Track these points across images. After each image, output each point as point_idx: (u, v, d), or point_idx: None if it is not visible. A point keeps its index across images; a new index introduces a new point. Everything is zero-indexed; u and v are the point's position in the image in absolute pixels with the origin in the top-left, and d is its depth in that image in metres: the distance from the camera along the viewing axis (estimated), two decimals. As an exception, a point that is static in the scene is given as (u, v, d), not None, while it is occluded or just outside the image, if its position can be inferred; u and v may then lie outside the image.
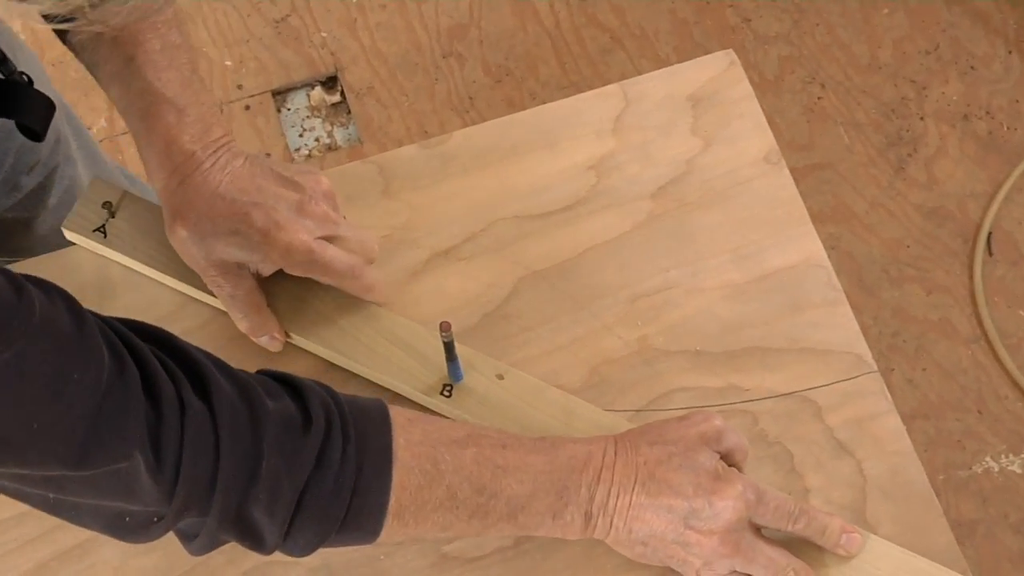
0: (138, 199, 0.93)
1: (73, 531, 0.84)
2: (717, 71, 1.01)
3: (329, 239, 0.87)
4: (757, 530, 0.81)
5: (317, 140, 1.90)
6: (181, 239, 0.85)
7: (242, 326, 0.88)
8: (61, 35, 0.87)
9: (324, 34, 1.96)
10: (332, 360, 0.89)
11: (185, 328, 0.91)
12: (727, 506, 0.79)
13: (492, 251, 0.94)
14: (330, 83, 1.94)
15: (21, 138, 0.95)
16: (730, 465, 0.83)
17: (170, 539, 0.84)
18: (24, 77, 0.89)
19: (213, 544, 0.75)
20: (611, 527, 0.80)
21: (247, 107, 1.91)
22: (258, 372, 0.77)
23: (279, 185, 0.86)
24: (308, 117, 1.92)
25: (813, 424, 0.89)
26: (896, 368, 1.75)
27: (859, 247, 1.82)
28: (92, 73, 0.87)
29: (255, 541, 0.74)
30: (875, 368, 0.92)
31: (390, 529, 0.76)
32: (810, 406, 0.90)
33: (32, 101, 0.88)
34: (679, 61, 1.03)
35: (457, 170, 0.97)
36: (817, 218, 0.97)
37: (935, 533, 0.86)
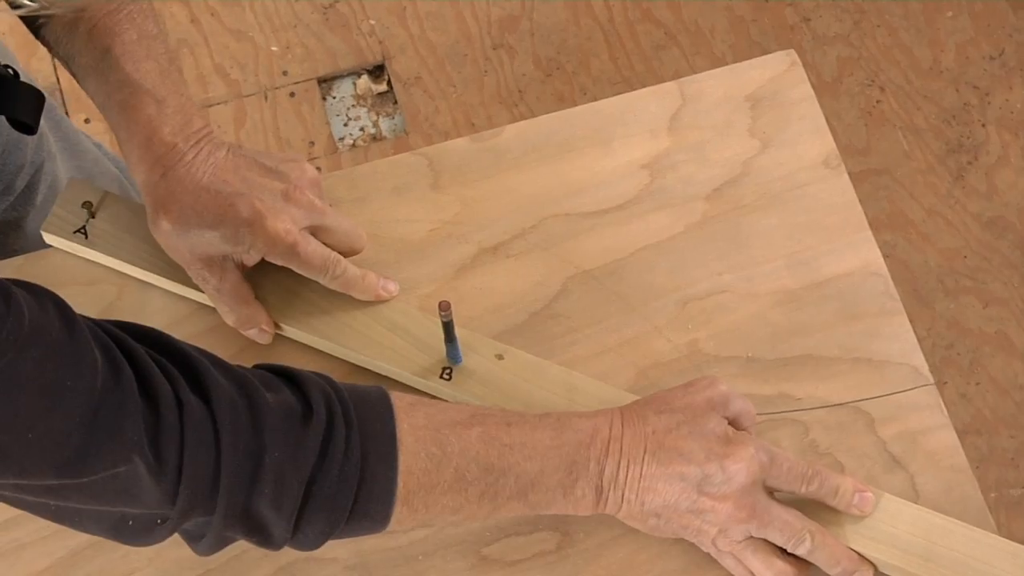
0: (119, 198, 0.92)
1: (109, 519, 0.84)
2: (777, 71, 0.99)
3: (315, 229, 0.86)
4: (770, 493, 0.80)
5: (362, 130, 1.90)
6: (165, 232, 0.84)
7: (229, 320, 0.87)
8: (34, 30, 0.86)
9: (372, 22, 1.95)
10: (327, 350, 0.89)
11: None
12: (740, 469, 0.78)
13: (541, 249, 0.93)
14: (377, 72, 1.93)
15: (6, 137, 0.95)
16: (739, 430, 0.82)
17: (206, 531, 0.83)
18: (10, 71, 0.89)
19: (220, 543, 0.74)
20: (623, 500, 0.79)
21: (292, 94, 1.91)
22: (255, 367, 0.76)
23: (263, 175, 0.85)
24: (354, 106, 1.91)
25: (866, 436, 0.87)
26: (949, 381, 1.72)
27: (915, 256, 1.79)
28: (67, 67, 0.87)
29: (263, 537, 0.74)
30: (931, 380, 0.90)
31: (400, 515, 0.75)
32: (863, 417, 0.88)
33: (21, 94, 0.87)
34: (735, 59, 1.01)
35: (508, 165, 0.96)
36: (872, 225, 0.95)
37: (989, 553, 0.83)
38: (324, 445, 0.73)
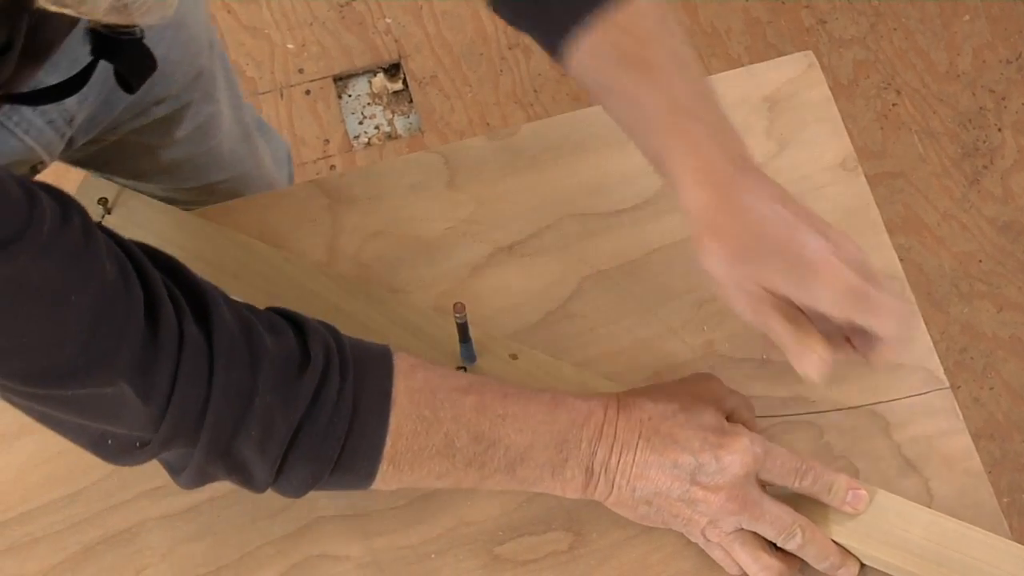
0: (134, 194, 0.92)
1: (122, 515, 0.84)
2: (795, 73, 0.99)
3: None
4: (763, 488, 0.80)
5: (377, 128, 1.90)
6: (713, 257, 0.76)
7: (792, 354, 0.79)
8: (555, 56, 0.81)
9: (388, 20, 1.95)
10: None
11: None
12: (734, 460, 0.78)
13: (557, 248, 0.93)
14: (393, 70, 1.94)
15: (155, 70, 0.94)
16: (739, 422, 0.82)
17: (220, 526, 0.83)
18: (138, 31, 0.86)
19: (202, 478, 0.74)
20: (613, 486, 0.79)
21: (307, 92, 1.91)
22: (268, 309, 0.76)
23: (812, 220, 0.78)
24: (369, 104, 1.91)
25: (880, 439, 0.87)
26: (963, 386, 1.71)
27: (929, 260, 1.78)
28: (598, 99, 0.82)
29: (245, 477, 0.74)
30: (946, 384, 0.90)
31: (385, 474, 0.76)
32: (878, 421, 0.88)
33: (133, 55, 0.85)
34: (751, 61, 1.01)
35: (524, 164, 0.96)
36: (887, 228, 0.95)
37: (1004, 559, 0.83)
38: (316, 393, 0.73)
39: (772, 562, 0.80)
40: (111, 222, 0.90)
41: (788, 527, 0.79)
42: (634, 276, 0.92)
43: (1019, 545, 0.81)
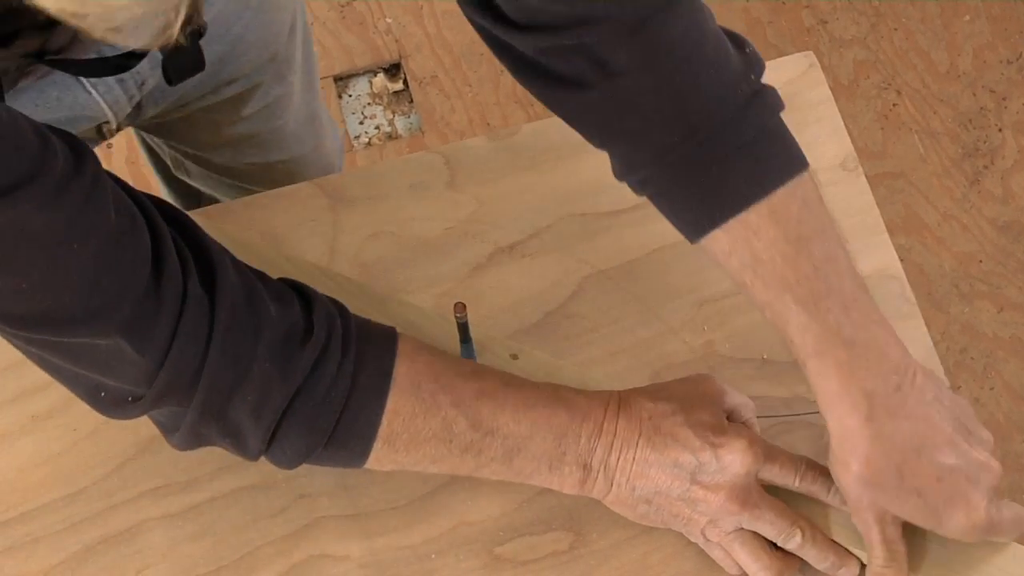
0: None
1: (123, 514, 0.84)
2: (796, 73, 0.99)
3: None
4: (763, 488, 0.80)
5: (378, 128, 1.90)
6: (852, 477, 0.76)
7: (875, 565, 0.80)
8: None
9: (389, 20, 1.95)
10: None
11: None
12: (734, 459, 0.78)
13: (557, 248, 0.93)
14: (393, 70, 1.93)
15: (222, 50, 0.94)
16: (739, 422, 0.82)
17: (221, 526, 0.83)
18: (200, 30, 0.84)
19: (195, 439, 0.74)
20: (612, 484, 0.79)
21: (312, 93, 1.91)
22: (279, 279, 0.77)
23: (966, 440, 0.78)
24: (369, 104, 1.91)
25: (881, 440, 0.87)
26: (963, 386, 1.71)
27: (929, 260, 1.78)
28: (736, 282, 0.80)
29: (238, 442, 0.74)
30: (947, 384, 0.89)
31: (379, 453, 0.76)
32: (879, 421, 0.87)
33: (182, 51, 0.84)
34: (753, 62, 1.00)
35: (525, 164, 0.96)
36: (887, 228, 0.95)
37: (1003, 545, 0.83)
38: (316, 365, 0.73)
39: (772, 562, 0.80)
40: None
41: (788, 527, 0.79)
42: (634, 276, 0.92)
43: (1020, 546, 0.81)
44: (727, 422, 0.80)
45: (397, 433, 0.75)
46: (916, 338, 0.90)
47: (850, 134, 0.98)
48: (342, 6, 1.96)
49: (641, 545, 0.84)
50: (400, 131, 1.89)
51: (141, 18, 0.50)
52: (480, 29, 0.79)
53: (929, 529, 0.79)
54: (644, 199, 0.94)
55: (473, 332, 0.85)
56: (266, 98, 1.06)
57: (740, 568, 0.81)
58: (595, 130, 0.81)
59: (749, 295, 0.79)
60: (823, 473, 0.80)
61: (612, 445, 0.78)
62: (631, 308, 0.91)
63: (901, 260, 0.95)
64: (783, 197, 0.77)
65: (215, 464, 0.86)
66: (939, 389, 0.79)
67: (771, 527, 0.79)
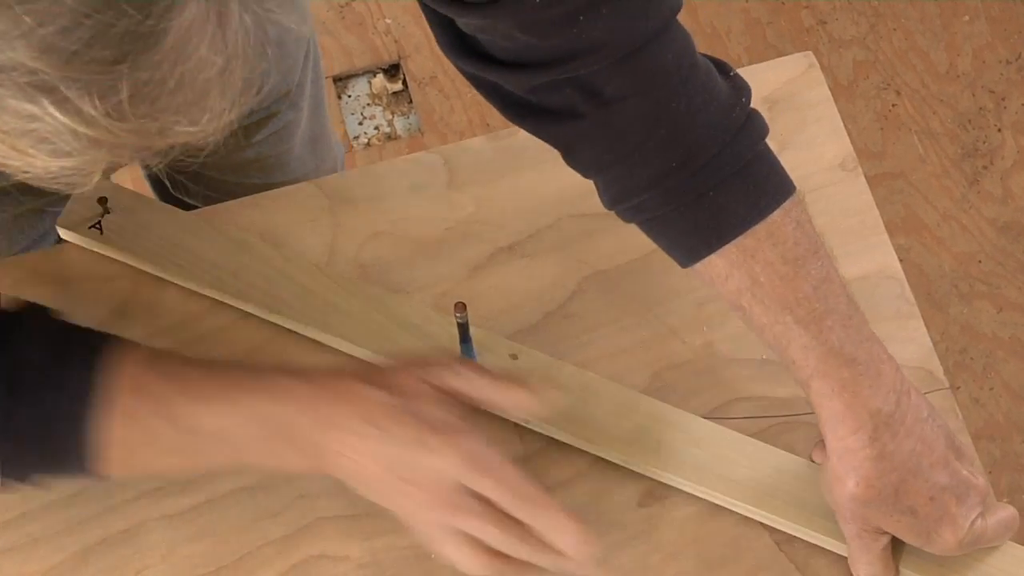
0: (134, 194, 0.91)
1: (122, 515, 0.84)
2: (795, 73, 0.99)
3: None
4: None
5: (377, 129, 1.90)
6: (849, 495, 0.77)
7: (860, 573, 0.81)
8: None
9: (388, 21, 1.95)
10: (343, 349, 0.88)
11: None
12: (435, 463, 0.73)
13: (557, 248, 0.93)
14: (392, 71, 1.93)
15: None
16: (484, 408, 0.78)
17: (220, 526, 0.83)
18: None
19: None
20: (333, 464, 0.75)
21: (312, 93, 1.91)
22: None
23: (957, 459, 0.79)
24: (369, 105, 1.91)
25: (881, 440, 0.87)
26: (962, 386, 1.71)
27: (929, 260, 1.78)
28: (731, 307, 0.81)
29: None
30: (946, 385, 0.90)
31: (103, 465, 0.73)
32: (878, 422, 0.87)
33: None
34: (751, 62, 1.01)
35: (524, 164, 0.96)
36: (887, 228, 0.95)
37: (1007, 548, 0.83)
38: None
39: (476, 561, 0.75)
40: (111, 222, 0.90)
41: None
42: (634, 276, 0.92)
43: (1018, 546, 0.81)
44: (451, 419, 0.75)
45: (112, 446, 0.72)
46: (916, 338, 0.90)
47: (849, 134, 0.98)
48: (341, 6, 1.96)
49: (640, 545, 0.84)
50: (399, 132, 1.89)
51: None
52: (466, 74, 0.78)
53: (916, 546, 0.79)
54: (643, 199, 0.94)
55: (473, 332, 0.85)
56: (277, 125, 1.06)
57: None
58: (589, 159, 0.80)
59: (746, 319, 0.79)
60: (550, 512, 0.74)
61: (325, 428, 0.75)
62: (630, 308, 0.91)
63: (900, 260, 0.95)
64: (779, 219, 0.77)
65: (214, 465, 0.86)
66: (929, 406, 0.80)
67: (473, 529, 0.75)
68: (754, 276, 0.77)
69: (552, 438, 0.86)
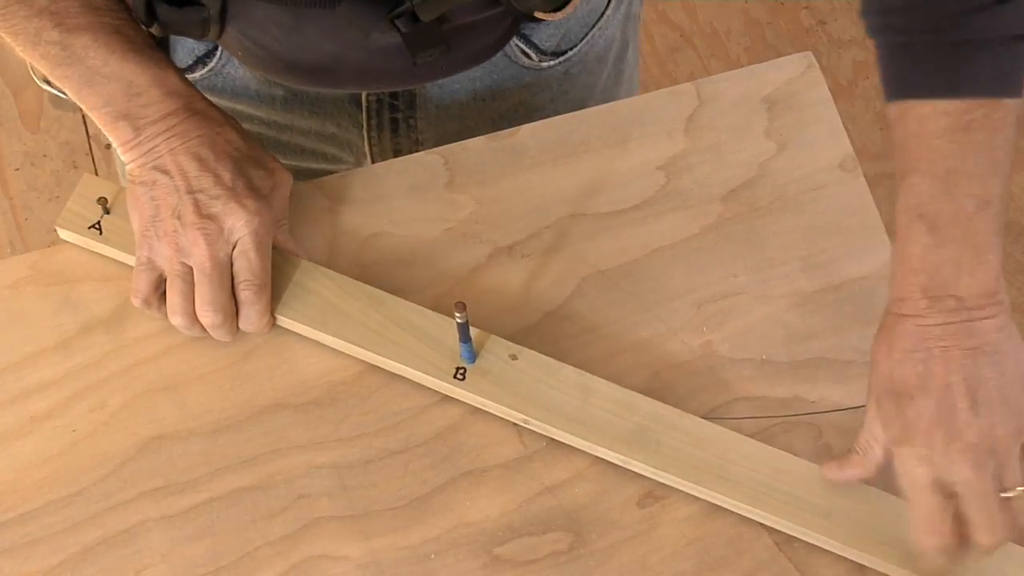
0: None
1: (122, 515, 0.84)
2: (795, 73, 0.99)
3: None
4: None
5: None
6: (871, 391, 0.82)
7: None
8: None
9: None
10: (341, 349, 0.88)
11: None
12: (238, 222, 0.84)
13: (556, 249, 0.93)
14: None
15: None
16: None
17: (220, 526, 0.83)
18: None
19: None
20: (142, 160, 0.85)
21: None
22: None
23: (969, 396, 0.78)
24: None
25: (880, 440, 0.87)
26: (961, 385, 1.71)
27: (928, 259, 1.78)
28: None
29: None
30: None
31: None
32: (878, 422, 0.87)
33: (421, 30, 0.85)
34: (750, 62, 1.01)
35: (524, 165, 0.96)
36: (886, 229, 0.95)
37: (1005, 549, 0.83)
38: None
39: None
40: (110, 222, 0.90)
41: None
42: (633, 276, 0.92)
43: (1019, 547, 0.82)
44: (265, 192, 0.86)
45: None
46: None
47: (849, 135, 0.98)
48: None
49: (640, 546, 0.84)
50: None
51: None
52: None
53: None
54: (642, 201, 0.95)
55: (472, 332, 0.85)
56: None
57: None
58: None
59: (899, 177, 0.80)
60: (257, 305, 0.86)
61: (171, 131, 0.84)
62: (630, 308, 0.91)
63: (900, 260, 0.95)
64: (1011, 108, 0.77)
65: (214, 465, 0.86)
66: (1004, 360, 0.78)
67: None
68: (944, 147, 0.77)
69: (552, 438, 0.86)
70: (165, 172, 0.85)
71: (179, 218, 0.84)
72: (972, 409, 0.76)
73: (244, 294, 0.86)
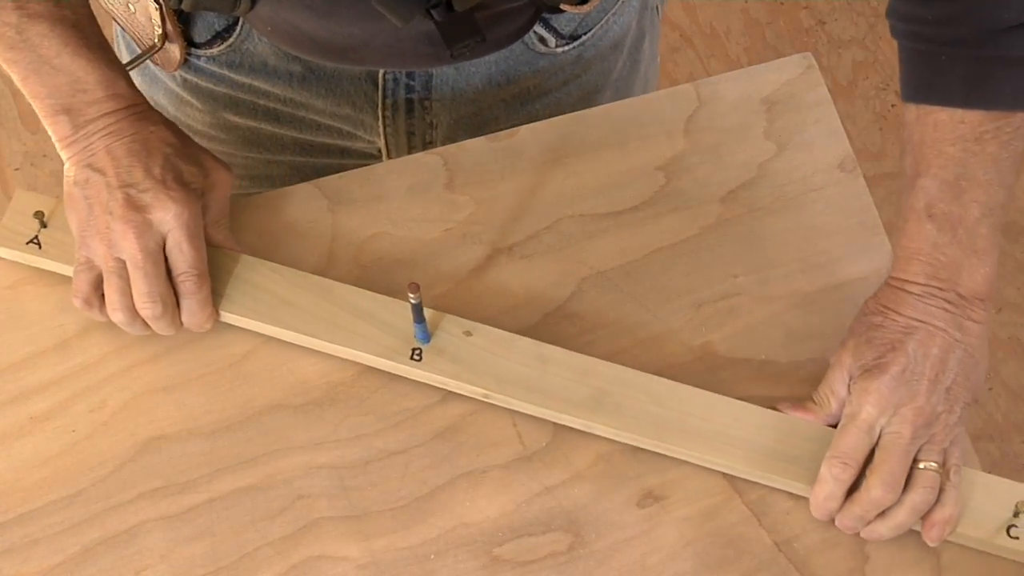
0: None
1: (121, 516, 0.84)
2: (794, 74, 0.99)
3: None
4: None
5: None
6: (839, 357, 0.86)
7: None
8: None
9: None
10: (296, 341, 0.88)
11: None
12: (165, 216, 0.85)
13: (556, 249, 0.93)
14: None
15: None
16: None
17: (219, 527, 0.83)
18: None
19: None
20: (77, 158, 0.86)
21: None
22: None
23: (934, 379, 0.84)
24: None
25: (880, 441, 0.87)
26: (961, 385, 1.71)
27: (928, 260, 1.78)
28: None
29: None
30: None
31: None
32: (877, 422, 0.87)
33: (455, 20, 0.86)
34: (750, 62, 1.01)
35: (523, 165, 0.96)
36: (886, 230, 0.95)
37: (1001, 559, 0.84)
38: None
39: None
40: (49, 236, 0.90)
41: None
42: (633, 277, 0.92)
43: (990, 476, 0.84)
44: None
45: None
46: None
47: (848, 135, 0.98)
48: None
49: (639, 546, 0.84)
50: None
51: None
52: None
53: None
54: (641, 201, 0.95)
55: (426, 313, 0.85)
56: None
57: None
58: None
59: (906, 172, 0.84)
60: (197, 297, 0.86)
61: (108, 128, 0.85)
62: (629, 309, 0.91)
63: (899, 261, 0.95)
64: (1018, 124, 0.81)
65: (214, 466, 0.86)
66: (973, 353, 0.83)
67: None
68: (957, 154, 0.81)
69: (552, 438, 0.86)
70: (98, 170, 0.86)
71: (110, 214, 0.85)
72: (933, 384, 0.82)
73: (183, 286, 0.86)
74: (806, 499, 0.84)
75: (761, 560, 0.84)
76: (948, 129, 0.82)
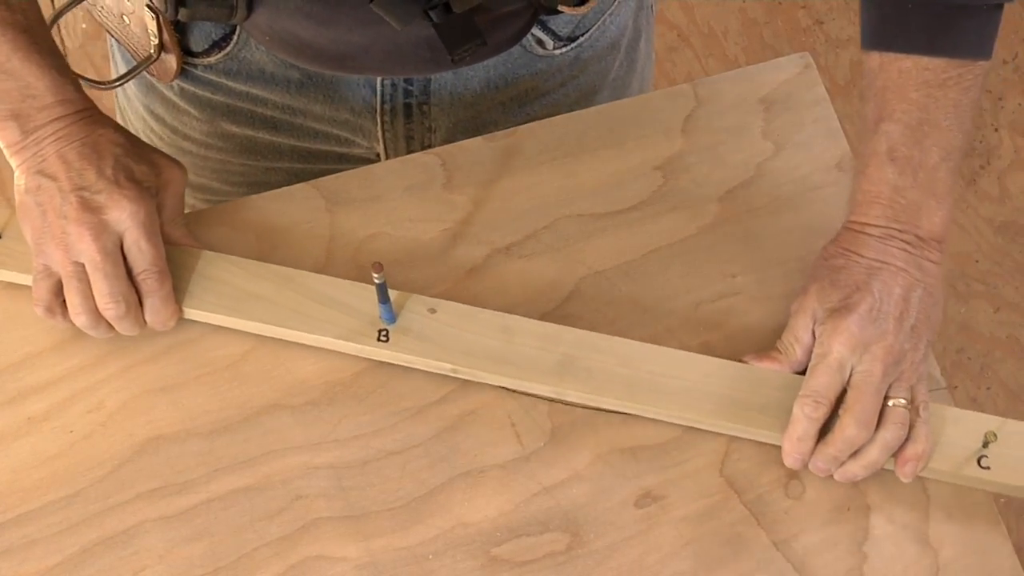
0: None
1: (120, 516, 0.84)
2: (791, 74, 0.99)
3: None
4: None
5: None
6: (801, 299, 0.87)
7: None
8: None
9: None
10: (262, 332, 0.88)
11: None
12: (119, 214, 0.85)
13: (554, 249, 0.93)
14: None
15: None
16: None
17: (218, 527, 0.83)
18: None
19: None
20: (28, 165, 0.85)
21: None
22: None
23: (899, 318, 0.86)
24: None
25: (878, 440, 0.87)
26: (960, 386, 1.71)
27: (926, 259, 1.78)
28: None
29: None
30: (944, 384, 0.90)
31: None
32: (875, 422, 0.87)
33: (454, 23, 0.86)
34: (747, 62, 1.01)
35: (521, 165, 0.96)
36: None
37: (999, 557, 0.84)
38: None
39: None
40: (4, 247, 0.89)
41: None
42: (631, 277, 0.92)
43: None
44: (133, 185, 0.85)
45: None
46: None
47: (847, 135, 0.98)
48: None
49: (638, 546, 0.84)
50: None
51: None
52: None
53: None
54: (639, 201, 0.95)
55: (391, 294, 0.85)
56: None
57: None
58: None
59: (865, 112, 0.86)
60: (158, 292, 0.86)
61: (57, 134, 0.85)
62: (628, 309, 0.91)
63: (897, 260, 0.95)
64: (980, 72, 0.83)
65: (212, 466, 0.86)
66: (934, 292, 0.87)
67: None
68: (920, 100, 0.83)
69: (550, 438, 0.86)
70: (49, 176, 0.85)
71: (65, 218, 0.84)
72: (899, 322, 0.84)
73: (145, 284, 0.86)
74: (806, 499, 0.84)
75: (759, 560, 0.84)
76: (912, 75, 0.83)
